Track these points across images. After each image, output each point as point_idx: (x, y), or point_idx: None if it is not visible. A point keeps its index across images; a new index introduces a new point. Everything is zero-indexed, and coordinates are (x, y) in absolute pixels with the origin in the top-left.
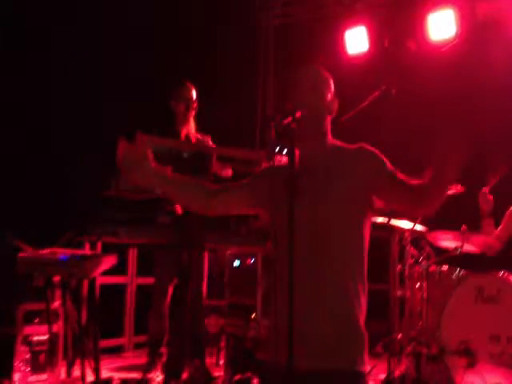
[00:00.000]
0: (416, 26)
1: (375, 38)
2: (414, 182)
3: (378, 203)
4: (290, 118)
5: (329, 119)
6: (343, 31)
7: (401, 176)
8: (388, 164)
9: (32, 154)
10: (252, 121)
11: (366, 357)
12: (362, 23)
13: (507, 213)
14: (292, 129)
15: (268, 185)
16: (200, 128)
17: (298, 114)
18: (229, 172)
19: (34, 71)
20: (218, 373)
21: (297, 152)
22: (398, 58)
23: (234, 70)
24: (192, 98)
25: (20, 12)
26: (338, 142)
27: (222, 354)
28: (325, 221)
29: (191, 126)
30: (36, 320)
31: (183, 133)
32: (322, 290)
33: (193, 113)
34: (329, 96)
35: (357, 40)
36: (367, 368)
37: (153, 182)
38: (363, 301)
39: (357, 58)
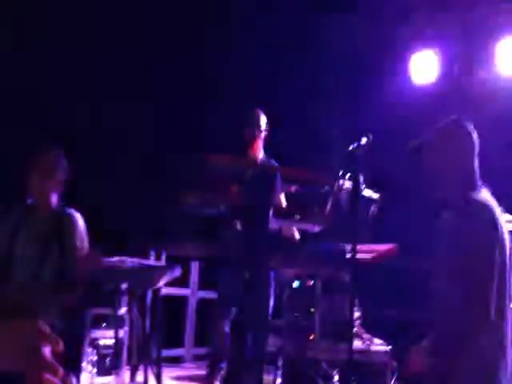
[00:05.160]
0: (487, 54)
1: (444, 65)
2: None
3: None
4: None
5: None
6: (409, 56)
7: None
8: None
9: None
10: (316, 143)
11: None
12: (431, 48)
13: None
14: (358, 155)
15: None
16: (266, 150)
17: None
18: (292, 188)
19: None
20: None
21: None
22: (468, 86)
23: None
24: (259, 123)
25: None
26: None
27: (279, 373)
28: None
29: (258, 149)
30: (103, 324)
31: (250, 156)
32: None
33: (260, 137)
34: None
35: (424, 66)
36: None
37: None
38: None
39: (424, 85)
